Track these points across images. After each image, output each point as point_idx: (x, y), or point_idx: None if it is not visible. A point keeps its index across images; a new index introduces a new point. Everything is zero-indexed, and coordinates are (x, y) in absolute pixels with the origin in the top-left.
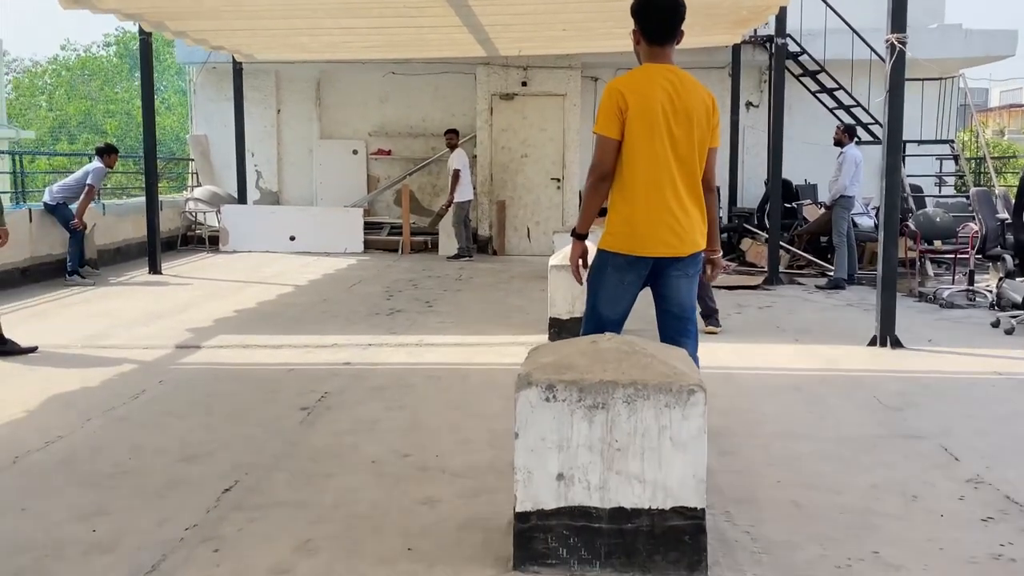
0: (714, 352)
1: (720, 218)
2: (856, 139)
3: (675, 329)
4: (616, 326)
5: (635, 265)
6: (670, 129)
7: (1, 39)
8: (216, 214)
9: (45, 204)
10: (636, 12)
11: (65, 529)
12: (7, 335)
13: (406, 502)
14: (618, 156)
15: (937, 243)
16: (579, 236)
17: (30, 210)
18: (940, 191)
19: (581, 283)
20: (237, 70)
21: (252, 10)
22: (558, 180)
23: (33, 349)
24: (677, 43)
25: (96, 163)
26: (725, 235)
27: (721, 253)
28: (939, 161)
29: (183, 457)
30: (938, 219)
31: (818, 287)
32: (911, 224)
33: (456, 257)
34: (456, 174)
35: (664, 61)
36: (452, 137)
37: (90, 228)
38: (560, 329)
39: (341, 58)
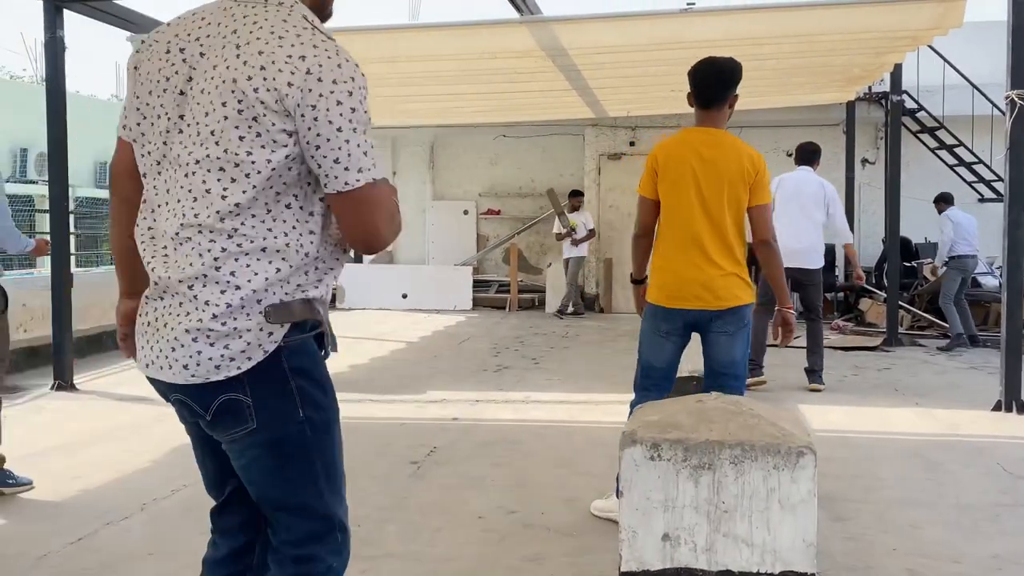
0: (829, 415)
1: (836, 277)
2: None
3: (712, 386)
4: (659, 374)
5: (668, 317)
6: (699, 188)
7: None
8: None
9: None
10: (689, 76)
11: (189, 575)
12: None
13: (512, 559)
14: (656, 214)
15: None
16: (635, 281)
17: None
18: None
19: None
20: None
21: (370, 79)
22: None
23: None
24: (730, 107)
25: None
26: (842, 294)
27: (792, 311)
28: None
29: None
30: None
31: (940, 349)
32: None
33: (560, 313)
34: (592, 232)
35: (710, 124)
36: (578, 200)
37: None
38: None
39: (454, 123)
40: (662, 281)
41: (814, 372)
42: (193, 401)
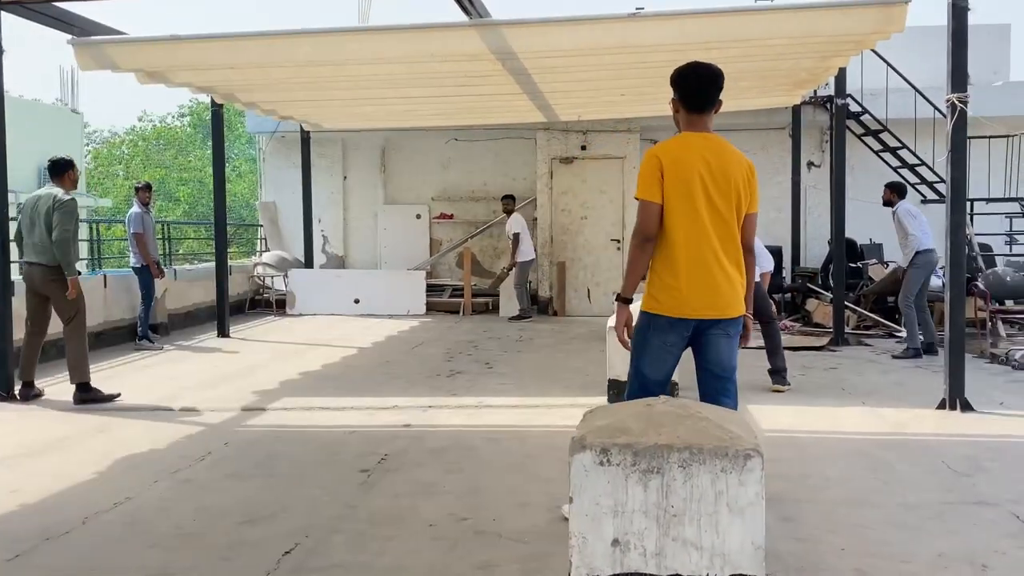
0: (777, 415)
1: (783, 279)
2: (922, 197)
3: (715, 388)
4: (661, 387)
5: (677, 326)
6: (708, 194)
7: (82, 112)
8: (283, 278)
9: (133, 268)
10: (676, 81)
11: None
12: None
13: (463, 567)
14: (660, 220)
15: (1008, 303)
16: (625, 300)
17: (105, 276)
18: (1010, 250)
19: (628, 348)
20: (305, 139)
21: (319, 82)
22: (618, 241)
23: (116, 396)
24: (716, 111)
25: (133, 208)
26: (788, 295)
27: (751, 316)
28: (1008, 219)
29: (246, 519)
30: (1009, 278)
31: (894, 357)
32: (980, 283)
33: (518, 318)
34: (516, 237)
35: (702, 129)
36: (509, 203)
37: (161, 293)
38: (619, 391)
39: (405, 126)
40: (672, 292)
41: (777, 372)
42: None
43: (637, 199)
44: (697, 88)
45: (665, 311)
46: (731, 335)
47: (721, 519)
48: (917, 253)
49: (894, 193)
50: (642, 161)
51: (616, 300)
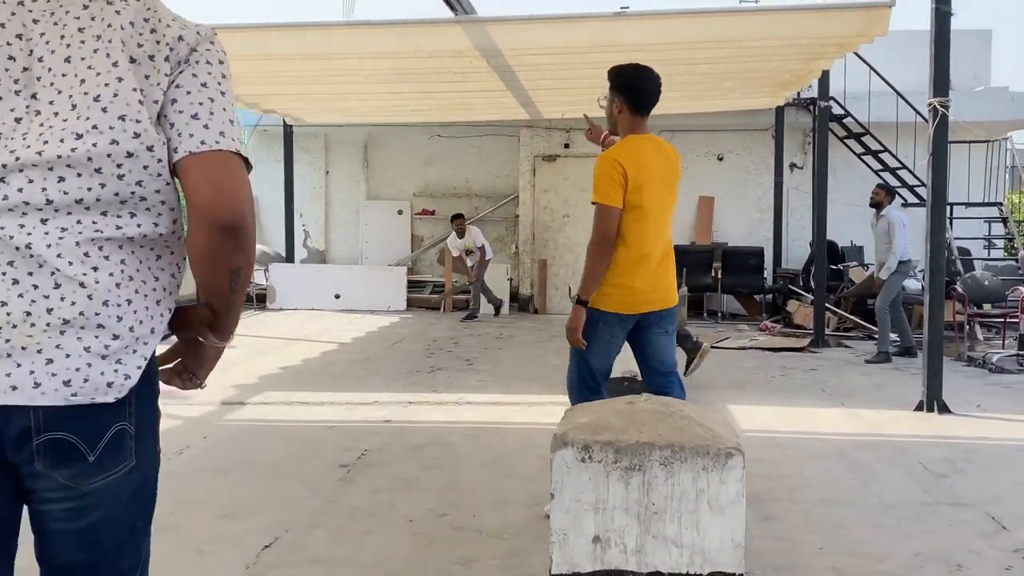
0: (757, 415)
1: (764, 279)
2: (902, 200)
3: (660, 384)
4: (604, 376)
5: (624, 320)
6: (660, 194)
7: None
8: (264, 272)
9: None
10: (626, 83)
11: None
12: None
13: (442, 562)
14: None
15: (986, 306)
16: (584, 303)
17: None
18: (989, 254)
19: (583, 347)
20: (287, 133)
21: (302, 76)
22: None
23: None
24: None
25: None
26: (770, 296)
27: None
28: (987, 223)
29: (224, 513)
30: (987, 282)
31: (867, 361)
32: (959, 287)
33: (469, 317)
34: (483, 249)
35: (644, 130)
36: (460, 222)
37: None
38: None
39: (388, 122)
40: (625, 291)
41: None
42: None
43: (596, 203)
44: (647, 92)
45: (615, 308)
46: (669, 332)
47: (702, 517)
48: (900, 262)
49: (889, 196)
50: (600, 165)
51: (576, 302)
